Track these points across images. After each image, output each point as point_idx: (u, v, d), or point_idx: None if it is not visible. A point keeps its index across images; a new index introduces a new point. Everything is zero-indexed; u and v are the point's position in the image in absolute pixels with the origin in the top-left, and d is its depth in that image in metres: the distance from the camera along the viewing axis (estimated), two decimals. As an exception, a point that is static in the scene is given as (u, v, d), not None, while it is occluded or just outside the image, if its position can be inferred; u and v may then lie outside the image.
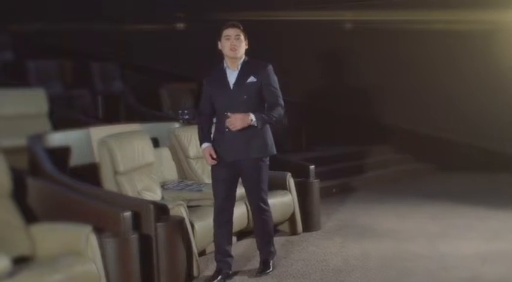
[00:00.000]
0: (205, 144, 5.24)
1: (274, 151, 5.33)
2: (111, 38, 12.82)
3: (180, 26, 13.33)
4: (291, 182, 6.79)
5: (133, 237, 4.62)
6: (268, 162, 5.33)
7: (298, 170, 7.06)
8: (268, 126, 5.25)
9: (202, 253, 5.75)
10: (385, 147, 11.19)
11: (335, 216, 7.68)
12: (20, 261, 4.22)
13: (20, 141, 6.18)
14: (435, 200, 8.54)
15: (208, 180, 6.64)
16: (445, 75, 10.92)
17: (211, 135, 5.29)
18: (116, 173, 5.64)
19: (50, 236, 4.54)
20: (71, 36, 12.60)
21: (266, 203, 5.40)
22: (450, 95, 10.91)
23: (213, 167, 5.27)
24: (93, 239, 4.40)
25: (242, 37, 5.17)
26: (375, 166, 10.43)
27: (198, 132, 5.34)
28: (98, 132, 6.06)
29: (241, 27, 5.19)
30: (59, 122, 7.60)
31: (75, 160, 5.91)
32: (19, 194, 4.69)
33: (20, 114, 7.31)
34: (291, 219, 6.76)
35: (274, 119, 5.15)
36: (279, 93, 5.22)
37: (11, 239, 4.39)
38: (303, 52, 11.88)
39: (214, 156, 5.16)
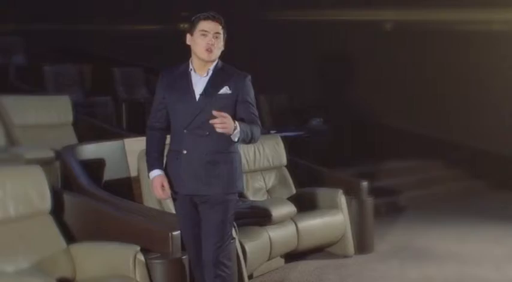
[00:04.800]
0: (156, 172, 4.32)
1: (242, 187, 4.48)
2: (134, 41, 12.95)
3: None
4: (342, 199, 6.83)
5: (184, 259, 4.65)
6: (237, 198, 4.44)
7: (348, 186, 7.09)
8: (236, 154, 4.38)
9: (249, 277, 5.79)
10: (436, 163, 11.15)
11: (388, 237, 7.71)
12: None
13: (45, 153, 6.30)
14: (496, 220, 8.55)
15: (252, 197, 6.73)
16: (502, 85, 10.87)
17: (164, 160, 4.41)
18: (158, 188, 5.68)
19: (92, 257, 4.61)
20: (90, 38, 12.74)
21: (227, 256, 4.31)
22: (506, 106, 10.87)
23: (174, 200, 4.45)
24: (141, 261, 4.46)
25: (222, 36, 4.28)
26: (425, 183, 10.41)
27: (146, 153, 4.43)
28: (133, 144, 6.14)
29: (223, 23, 4.30)
30: (84, 132, 7.72)
31: (108, 174, 6.00)
32: (55, 210, 4.75)
33: (43, 123, 7.43)
34: (342, 240, 6.81)
35: (253, 141, 4.30)
36: (257, 113, 4.38)
37: (52, 259, 4.47)
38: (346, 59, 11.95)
39: (168, 187, 4.29)
